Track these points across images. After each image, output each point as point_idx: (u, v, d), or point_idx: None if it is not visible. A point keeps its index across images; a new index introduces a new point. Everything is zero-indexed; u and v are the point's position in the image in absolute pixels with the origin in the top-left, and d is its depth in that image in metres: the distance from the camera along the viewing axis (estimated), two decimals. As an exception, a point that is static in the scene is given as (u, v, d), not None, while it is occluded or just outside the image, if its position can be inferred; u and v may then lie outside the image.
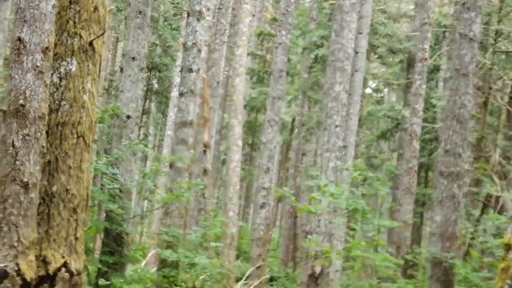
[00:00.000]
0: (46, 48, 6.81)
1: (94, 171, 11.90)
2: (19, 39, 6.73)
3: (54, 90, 7.33)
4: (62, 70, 7.39)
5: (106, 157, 12.43)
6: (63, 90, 7.37)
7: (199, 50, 14.90)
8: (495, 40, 23.03)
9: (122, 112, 12.78)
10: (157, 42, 33.10)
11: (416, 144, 20.99)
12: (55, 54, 7.27)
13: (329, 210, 15.17)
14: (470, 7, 13.08)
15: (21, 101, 6.71)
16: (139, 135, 25.59)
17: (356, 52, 19.69)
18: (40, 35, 6.76)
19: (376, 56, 30.95)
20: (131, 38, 13.03)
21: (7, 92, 6.80)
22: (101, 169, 12.03)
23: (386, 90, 43.50)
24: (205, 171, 20.78)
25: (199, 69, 15.09)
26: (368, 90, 40.09)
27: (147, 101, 33.96)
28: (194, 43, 14.77)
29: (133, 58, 12.97)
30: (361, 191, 12.88)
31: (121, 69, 13.44)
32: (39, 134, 6.85)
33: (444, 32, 28.02)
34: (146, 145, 15.98)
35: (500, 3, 22.59)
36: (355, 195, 12.78)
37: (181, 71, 15.65)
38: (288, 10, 22.76)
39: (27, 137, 6.75)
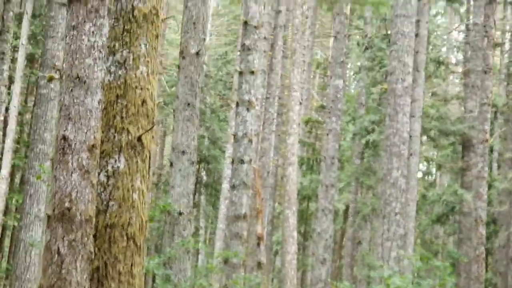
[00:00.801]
0: (92, 145, 6.34)
1: (146, 272, 11.32)
2: (64, 137, 6.28)
3: (102, 190, 6.83)
4: (109, 168, 6.90)
5: (158, 257, 11.86)
6: (111, 190, 6.87)
7: (250, 141, 14.46)
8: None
9: (174, 209, 12.27)
10: (205, 134, 32.91)
11: (483, 230, 20.04)
12: (102, 152, 6.81)
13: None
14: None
15: (66, 204, 6.21)
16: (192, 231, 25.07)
17: (410, 136, 19.16)
18: (86, 133, 6.30)
19: (428, 139, 30.36)
20: (180, 131, 12.64)
21: (51, 195, 6.32)
22: (153, 270, 11.45)
23: (438, 173, 42.61)
24: (259, 264, 20.08)
25: (250, 160, 14.62)
26: (419, 174, 39.28)
27: (197, 194, 33.57)
28: (245, 134, 14.35)
29: (183, 152, 12.54)
30: (428, 282, 12.11)
31: (171, 164, 13.00)
32: (86, 238, 6.31)
33: (496, 112, 27.38)
34: (198, 241, 15.42)
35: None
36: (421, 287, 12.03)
37: (232, 162, 15.19)
38: (337, 97, 22.47)
39: (73, 243, 6.21)
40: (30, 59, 26.83)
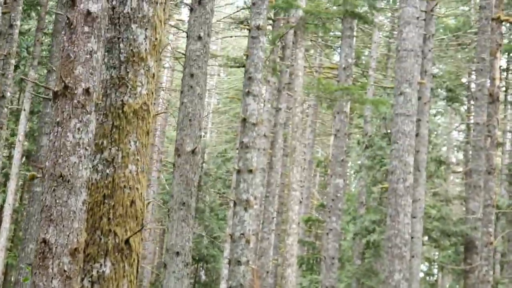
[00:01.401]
0: (75, 249, 5.90)
1: None
2: (44, 241, 5.84)
3: (85, 297, 6.37)
4: (94, 273, 6.44)
5: None
6: (95, 297, 6.40)
7: (248, 241, 14.02)
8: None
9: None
10: (203, 233, 32.38)
11: None
12: (86, 255, 6.38)
13: None
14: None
15: (45, 313, 5.73)
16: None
17: (412, 237, 18.69)
18: (68, 235, 5.86)
19: (429, 239, 29.87)
20: (174, 232, 12.17)
21: (29, 303, 5.85)
22: None
23: (439, 273, 41.83)
24: None
25: (248, 261, 14.13)
26: (421, 274, 38.51)
27: (195, 294, 32.80)
28: (242, 234, 13.93)
29: (177, 253, 12.05)
30: None
31: (165, 265, 12.49)
32: None
33: (497, 213, 26.96)
34: None
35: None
36: None
37: (229, 263, 14.70)
38: (338, 196, 22.10)
39: None
40: (28, 155, 26.63)
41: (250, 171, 14.36)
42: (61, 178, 5.90)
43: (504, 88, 33.55)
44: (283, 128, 27.13)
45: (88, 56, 6.03)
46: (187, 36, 12.61)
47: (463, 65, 35.94)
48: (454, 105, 34.47)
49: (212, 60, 38.10)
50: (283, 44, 26.40)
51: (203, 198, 33.94)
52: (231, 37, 37.25)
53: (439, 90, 30.76)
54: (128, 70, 6.75)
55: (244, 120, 14.85)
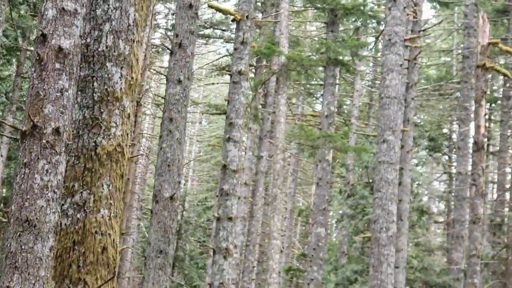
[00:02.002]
0: (40, 300, 5.53)
1: None
2: (7, 290, 5.47)
3: None
4: (61, 326, 6.06)
5: None
6: None
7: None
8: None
9: None
10: (182, 283, 31.79)
11: None
12: (54, 307, 5.99)
13: None
14: None
15: None
16: None
17: (395, 288, 18.33)
18: (34, 284, 5.49)
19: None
20: (151, 280, 11.75)
21: None
22: None
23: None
24: None
25: (227, 312, 13.69)
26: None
27: None
28: (221, 283, 13.53)
29: (154, 302, 11.61)
30: None
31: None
32: None
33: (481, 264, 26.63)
34: None
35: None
36: None
37: (207, 314, 14.25)
38: (319, 245, 21.79)
39: None
40: (5, 202, 26.12)
41: (230, 218, 14.01)
42: (27, 222, 5.55)
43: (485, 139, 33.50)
44: (264, 177, 26.86)
45: (58, 94, 5.73)
46: (166, 80, 12.35)
47: (444, 115, 35.97)
48: (436, 155, 34.40)
49: (194, 108, 38.00)
50: (265, 91, 26.27)
51: (183, 247, 33.41)
52: (213, 84, 37.17)
53: (420, 139, 30.64)
54: (102, 110, 6.45)
55: (224, 166, 14.55)
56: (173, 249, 12.25)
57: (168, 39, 26.79)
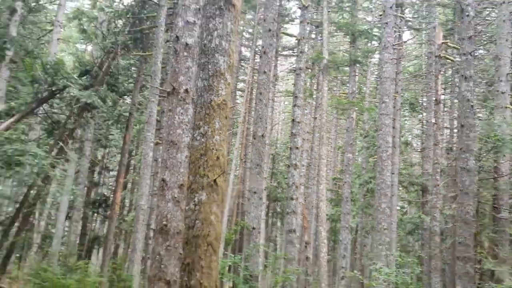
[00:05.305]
0: (181, 185, 5.22)
1: (233, 263, 9.92)
2: (163, 179, 5.20)
3: (190, 213, 5.67)
4: (196, 199, 5.75)
5: (239, 255, 10.46)
6: (196, 213, 5.69)
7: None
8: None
9: (249, 225, 10.91)
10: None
11: (438, 239, 17.76)
12: (191, 189, 5.68)
13: (385, 284, 12.36)
14: None
15: (164, 222, 5.08)
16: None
17: (392, 184, 17.37)
18: (177, 176, 5.20)
19: (401, 186, 28.09)
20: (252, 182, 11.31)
21: (155, 217, 5.18)
22: (237, 262, 10.04)
23: (408, 206, 39.72)
24: (307, 258, 18.43)
25: (297, 198, 13.07)
26: (397, 207, 36.56)
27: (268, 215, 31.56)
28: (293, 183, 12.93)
29: (254, 192, 11.13)
30: (405, 270, 10.33)
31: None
32: (178, 244, 5.13)
33: (441, 171, 24.96)
34: (262, 246, 13.84)
35: None
36: (400, 273, 10.28)
37: (291, 199, 13.59)
38: (349, 163, 20.81)
39: (168, 247, 5.03)
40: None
41: (297, 148, 13.33)
42: (171, 142, 5.23)
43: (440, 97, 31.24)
44: (318, 129, 25.90)
45: (186, 70, 5.35)
46: (258, 72, 11.80)
47: (418, 89, 33.75)
48: (414, 114, 32.43)
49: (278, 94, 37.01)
50: (316, 80, 25.19)
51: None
52: (287, 79, 36.04)
53: (404, 104, 28.90)
54: (213, 80, 6.01)
55: (292, 120, 13.92)
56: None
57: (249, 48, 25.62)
